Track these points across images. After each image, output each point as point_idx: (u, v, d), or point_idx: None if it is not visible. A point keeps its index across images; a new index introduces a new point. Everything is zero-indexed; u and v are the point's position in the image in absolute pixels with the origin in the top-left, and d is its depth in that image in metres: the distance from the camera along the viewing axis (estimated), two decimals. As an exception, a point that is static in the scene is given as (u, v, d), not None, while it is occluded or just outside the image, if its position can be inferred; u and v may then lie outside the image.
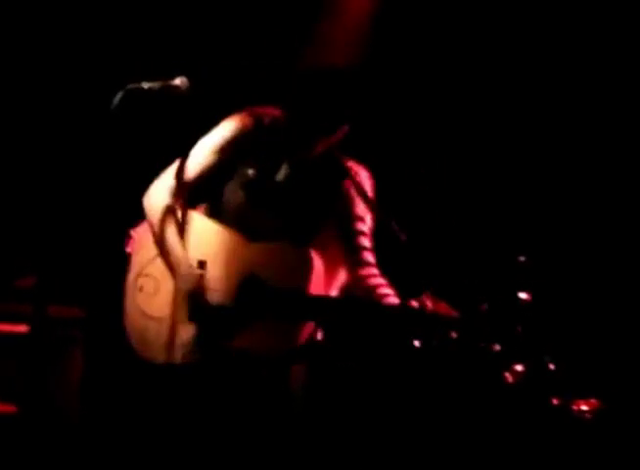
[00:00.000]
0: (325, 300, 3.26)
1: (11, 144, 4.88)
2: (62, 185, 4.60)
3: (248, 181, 3.40)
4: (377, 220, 3.43)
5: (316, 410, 3.45)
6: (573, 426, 4.30)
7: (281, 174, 3.43)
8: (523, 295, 4.17)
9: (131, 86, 3.25)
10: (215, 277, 3.28)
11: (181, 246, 3.29)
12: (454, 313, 3.15)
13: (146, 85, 3.27)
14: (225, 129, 3.45)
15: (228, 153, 3.44)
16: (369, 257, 3.41)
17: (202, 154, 3.42)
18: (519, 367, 4.36)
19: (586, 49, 4.70)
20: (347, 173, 3.42)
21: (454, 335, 3.16)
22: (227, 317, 3.23)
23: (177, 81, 3.32)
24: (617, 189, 4.71)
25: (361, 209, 3.41)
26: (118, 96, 3.22)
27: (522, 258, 4.40)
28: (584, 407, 4.28)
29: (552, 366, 4.37)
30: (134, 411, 3.43)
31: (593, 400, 4.31)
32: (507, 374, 4.36)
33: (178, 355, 3.23)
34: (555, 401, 4.33)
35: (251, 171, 3.41)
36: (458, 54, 4.81)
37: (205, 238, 3.32)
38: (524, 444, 4.35)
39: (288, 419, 3.30)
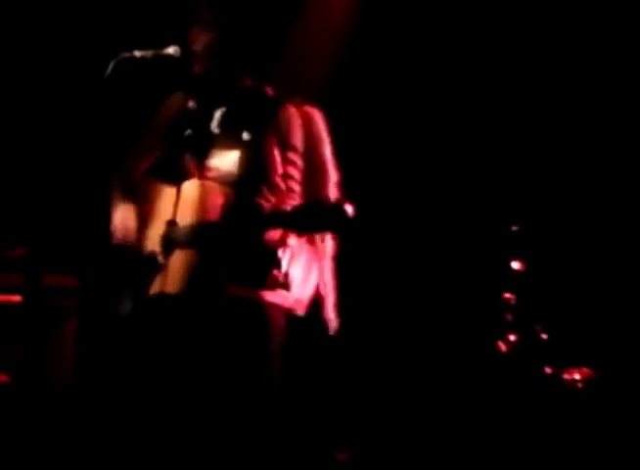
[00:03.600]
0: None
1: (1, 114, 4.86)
2: (52, 153, 4.59)
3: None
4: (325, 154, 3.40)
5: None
6: (566, 394, 4.33)
7: (215, 122, 3.44)
8: (516, 264, 4.21)
9: (124, 55, 3.23)
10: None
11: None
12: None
13: (139, 54, 3.25)
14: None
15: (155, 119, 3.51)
16: (292, 184, 3.39)
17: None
18: (512, 337, 4.39)
19: (586, 48, 4.70)
20: (277, 106, 3.42)
21: None
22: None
23: (170, 50, 3.30)
24: (610, 158, 4.72)
25: (296, 138, 3.40)
26: (111, 65, 3.20)
27: (515, 228, 4.43)
28: (576, 376, 4.31)
29: (544, 335, 4.41)
30: (127, 380, 3.43)
31: (585, 369, 4.34)
32: (500, 343, 4.40)
33: (172, 285, 3.24)
34: (547, 370, 4.36)
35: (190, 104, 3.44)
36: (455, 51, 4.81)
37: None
38: (517, 412, 4.37)
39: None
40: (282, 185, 3.35)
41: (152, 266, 3.30)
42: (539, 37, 4.77)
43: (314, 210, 3.08)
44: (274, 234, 3.21)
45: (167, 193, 3.35)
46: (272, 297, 3.30)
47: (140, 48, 3.26)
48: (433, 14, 4.83)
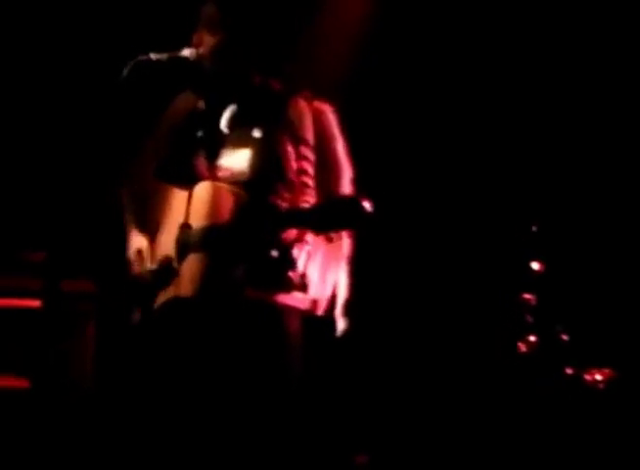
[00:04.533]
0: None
1: (21, 117, 4.87)
2: (70, 157, 4.59)
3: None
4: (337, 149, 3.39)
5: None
6: (587, 395, 4.31)
7: (224, 121, 3.43)
8: (535, 265, 4.18)
9: (140, 58, 3.24)
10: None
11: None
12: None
13: (154, 57, 3.25)
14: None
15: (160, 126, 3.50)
16: (308, 181, 3.37)
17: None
18: (532, 337, 4.37)
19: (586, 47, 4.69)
20: (287, 100, 3.40)
21: None
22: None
23: (186, 52, 3.31)
24: (631, 159, 4.69)
25: (308, 132, 3.38)
26: (127, 68, 3.21)
27: (534, 228, 4.41)
28: (598, 377, 4.28)
29: (565, 336, 4.38)
30: (146, 384, 3.43)
31: (606, 370, 4.31)
32: (521, 344, 4.38)
33: (186, 288, 3.23)
34: (568, 371, 4.33)
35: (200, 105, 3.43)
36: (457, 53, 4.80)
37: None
38: (538, 413, 4.35)
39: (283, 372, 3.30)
40: (296, 181, 3.33)
41: (167, 272, 3.29)
42: (560, 39, 4.75)
43: (332, 207, 3.04)
44: (291, 233, 3.19)
45: (180, 196, 3.33)
46: (288, 299, 3.28)
47: (156, 51, 3.27)
48: (449, 13, 4.82)
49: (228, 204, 3.23)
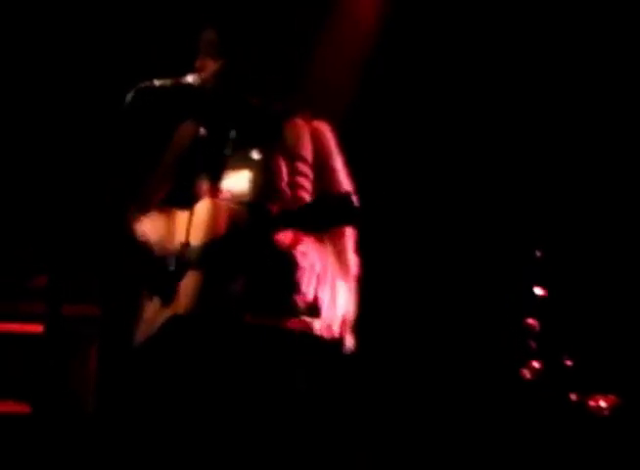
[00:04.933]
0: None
1: (21, 143, 4.88)
2: (73, 183, 4.59)
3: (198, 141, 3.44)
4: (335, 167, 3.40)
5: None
6: (591, 421, 4.29)
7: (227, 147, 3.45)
8: (539, 290, 4.17)
9: (143, 84, 3.24)
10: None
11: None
12: None
13: (158, 83, 3.26)
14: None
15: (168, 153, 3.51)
16: (303, 194, 3.37)
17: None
18: (536, 364, 4.35)
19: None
20: (284, 120, 3.42)
21: None
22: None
23: (189, 79, 3.31)
24: (634, 185, 4.68)
25: (306, 150, 3.39)
26: (131, 94, 3.21)
27: (538, 253, 4.40)
28: (602, 403, 4.26)
29: (569, 362, 4.36)
30: (147, 408, 3.42)
31: (611, 396, 4.29)
32: (524, 370, 4.36)
33: (182, 306, 3.22)
34: (572, 397, 4.31)
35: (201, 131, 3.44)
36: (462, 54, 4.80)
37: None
38: (542, 440, 4.33)
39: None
40: (288, 193, 3.34)
41: (168, 291, 3.29)
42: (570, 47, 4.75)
43: (320, 204, 3.06)
44: (285, 237, 3.19)
45: (181, 217, 3.34)
46: (296, 324, 3.27)
47: (159, 77, 3.28)
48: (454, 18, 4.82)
49: (227, 220, 3.25)
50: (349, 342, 3.30)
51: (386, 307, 4.60)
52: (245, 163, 3.36)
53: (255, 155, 3.36)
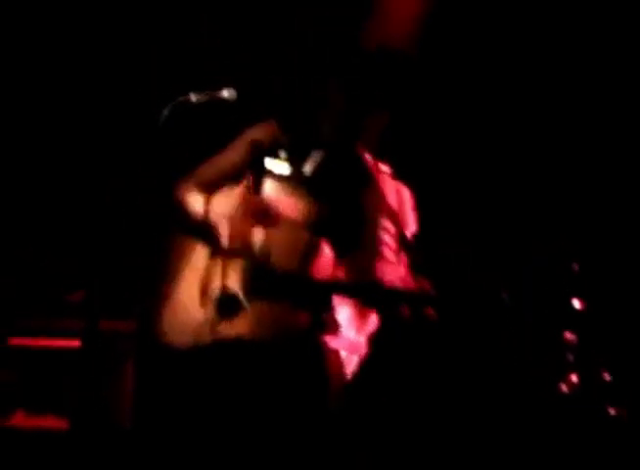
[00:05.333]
0: (320, 282, 3.25)
1: (62, 157, 4.91)
2: (110, 199, 4.61)
3: (275, 173, 3.43)
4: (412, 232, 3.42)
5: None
6: (630, 436, 4.25)
7: (308, 166, 3.44)
8: (576, 303, 4.13)
9: (180, 99, 3.26)
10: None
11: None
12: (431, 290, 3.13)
13: (194, 98, 3.28)
14: (245, 133, 3.47)
15: (243, 150, 3.45)
16: (387, 252, 3.38)
17: (222, 152, 3.47)
18: (574, 377, 4.32)
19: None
20: (371, 179, 3.43)
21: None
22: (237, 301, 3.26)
23: (225, 93, 3.32)
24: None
25: (387, 212, 3.40)
26: (167, 109, 3.22)
27: (575, 266, 4.37)
28: (642, 417, 4.23)
29: (607, 375, 4.33)
30: (185, 422, 3.42)
31: (651, 410, 4.26)
32: (562, 384, 4.33)
33: (257, 332, 3.23)
34: (611, 411, 4.27)
35: (279, 162, 3.44)
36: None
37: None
38: (581, 455, 4.29)
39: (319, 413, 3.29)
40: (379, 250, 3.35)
41: (231, 307, 3.28)
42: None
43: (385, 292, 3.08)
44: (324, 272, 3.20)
45: (255, 232, 3.33)
46: (334, 342, 3.28)
47: (196, 91, 3.29)
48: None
49: (309, 252, 3.24)
50: (339, 400, 3.33)
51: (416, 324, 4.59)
52: (323, 192, 3.39)
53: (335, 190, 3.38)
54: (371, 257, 3.35)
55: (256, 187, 3.38)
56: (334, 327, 3.26)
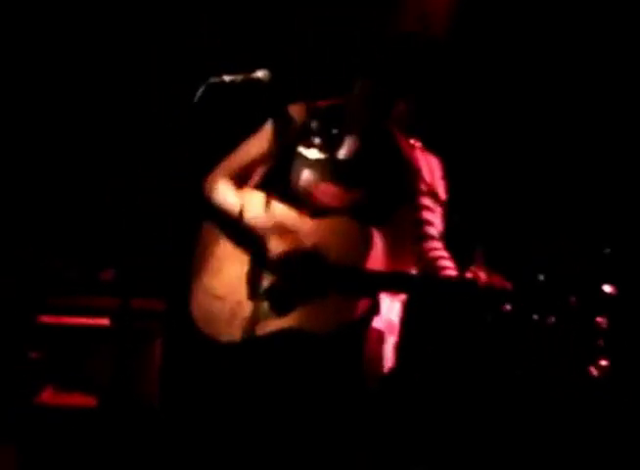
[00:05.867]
0: (381, 275, 3.23)
1: (94, 134, 4.92)
2: (142, 178, 4.62)
3: (310, 159, 3.41)
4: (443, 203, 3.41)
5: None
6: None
7: (343, 151, 3.42)
8: (608, 288, 4.11)
9: (213, 80, 3.24)
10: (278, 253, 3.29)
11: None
12: (508, 285, 3.10)
13: (228, 78, 3.26)
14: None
15: (270, 138, 3.46)
16: (431, 230, 3.36)
17: (247, 140, 3.48)
18: (604, 362, 4.30)
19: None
20: (402, 151, 3.41)
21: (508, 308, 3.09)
22: (291, 293, 3.24)
23: (259, 74, 3.30)
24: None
25: (425, 184, 3.38)
26: (201, 90, 3.21)
27: (607, 250, 4.35)
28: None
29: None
30: (211, 402, 3.42)
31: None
32: (592, 368, 4.31)
33: (238, 333, 3.21)
34: (641, 395, 4.27)
35: (313, 148, 3.42)
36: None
37: (267, 215, 3.34)
38: (610, 438, 4.30)
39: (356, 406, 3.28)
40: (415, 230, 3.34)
41: (284, 300, 3.27)
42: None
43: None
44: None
45: (304, 221, 3.33)
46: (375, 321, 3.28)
47: (229, 72, 3.27)
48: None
49: (357, 244, 3.23)
50: (389, 362, 3.32)
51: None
52: (361, 176, 3.38)
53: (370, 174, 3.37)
54: (417, 240, 3.33)
55: (280, 136, 3.36)
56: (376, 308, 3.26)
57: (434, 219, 3.39)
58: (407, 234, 3.35)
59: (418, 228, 3.35)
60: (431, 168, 3.46)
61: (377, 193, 3.35)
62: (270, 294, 3.25)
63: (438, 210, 3.41)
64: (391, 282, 3.25)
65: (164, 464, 4.29)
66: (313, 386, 3.23)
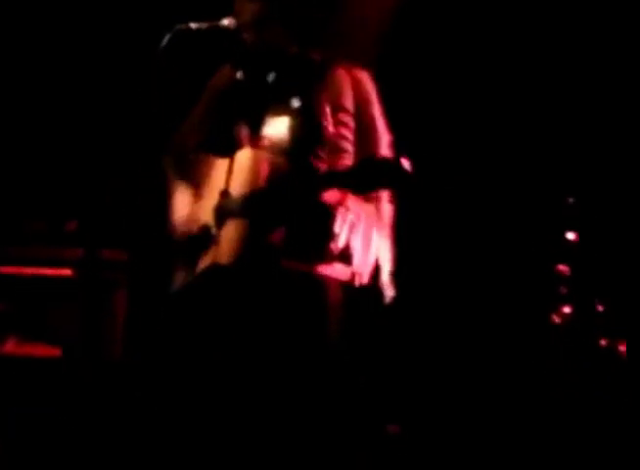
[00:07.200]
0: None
1: (54, 86, 4.87)
2: (104, 128, 4.59)
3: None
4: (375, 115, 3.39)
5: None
6: (621, 367, 4.30)
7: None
8: (571, 235, 4.17)
9: (179, 27, 3.23)
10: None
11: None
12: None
13: (194, 26, 3.25)
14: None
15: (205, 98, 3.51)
16: (345, 144, 3.36)
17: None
18: (567, 309, 4.36)
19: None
20: (326, 69, 3.40)
21: None
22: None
23: (225, 22, 3.29)
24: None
25: (347, 99, 3.37)
26: (167, 37, 3.19)
27: (570, 200, 4.39)
28: (633, 348, 4.27)
29: (600, 307, 4.37)
30: (179, 353, 3.43)
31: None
32: (555, 316, 4.37)
33: (224, 256, 3.23)
34: (603, 342, 4.32)
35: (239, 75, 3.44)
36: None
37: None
38: (571, 386, 4.34)
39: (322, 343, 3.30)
40: (335, 146, 3.32)
41: (205, 239, 3.29)
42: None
43: (371, 167, 3.03)
44: (332, 196, 3.17)
45: (220, 164, 3.34)
46: (328, 270, 3.27)
47: (195, 20, 3.26)
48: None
49: (268, 171, 3.24)
50: (389, 291, 3.30)
51: (418, 254, 4.60)
52: (284, 110, 3.35)
53: (295, 102, 3.34)
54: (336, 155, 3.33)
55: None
56: (347, 256, 3.25)
57: (349, 135, 3.38)
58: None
59: (337, 142, 3.35)
60: (360, 86, 3.43)
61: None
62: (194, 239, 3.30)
63: (351, 123, 3.40)
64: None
65: (128, 415, 4.30)
66: (253, 325, 3.25)
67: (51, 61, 4.93)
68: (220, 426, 3.25)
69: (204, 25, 3.27)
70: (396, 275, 3.29)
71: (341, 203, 3.17)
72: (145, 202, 4.29)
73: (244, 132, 3.37)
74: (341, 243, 3.20)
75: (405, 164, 2.95)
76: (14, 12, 4.93)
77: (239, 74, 3.45)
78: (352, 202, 3.18)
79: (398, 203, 3.33)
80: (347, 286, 3.29)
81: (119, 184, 4.47)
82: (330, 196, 3.16)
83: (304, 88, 3.36)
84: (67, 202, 4.66)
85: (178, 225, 3.42)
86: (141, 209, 4.44)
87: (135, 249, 4.50)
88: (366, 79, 3.42)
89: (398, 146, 3.33)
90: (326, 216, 3.21)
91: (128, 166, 4.28)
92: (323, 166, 3.29)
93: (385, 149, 3.35)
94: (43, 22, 4.94)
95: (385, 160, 3.06)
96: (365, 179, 3.03)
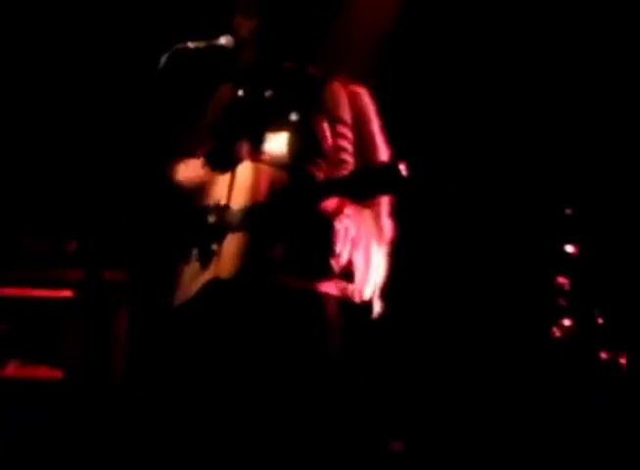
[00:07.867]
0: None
1: (55, 107, 4.89)
2: (104, 147, 4.60)
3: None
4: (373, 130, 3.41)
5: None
6: (622, 380, 4.30)
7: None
8: (570, 248, 4.17)
9: (178, 46, 3.25)
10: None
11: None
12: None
13: (192, 45, 3.27)
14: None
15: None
16: (344, 156, 3.38)
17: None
18: (566, 321, 4.36)
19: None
20: (323, 84, 3.42)
21: None
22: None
23: (222, 41, 3.31)
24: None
25: (345, 113, 3.39)
26: (165, 56, 3.21)
27: (569, 211, 4.40)
28: (633, 360, 4.27)
29: (600, 320, 4.37)
30: (180, 367, 3.43)
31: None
32: (555, 328, 4.37)
33: (225, 270, 3.24)
34: (603, 355, 4.32)
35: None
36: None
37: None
38: (572, 398, 4.34)
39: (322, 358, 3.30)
40: (334, 157, 3.34)
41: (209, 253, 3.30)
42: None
43: (368, 173, 3.05)
44: (330, 205, 3.19)
45: (222, 180, 3.36)
46: (328, 287, 3.28)
47: (193, 39, 3.28)
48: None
49: (268, 184, 3.25)
50: (377, 306, 3.31)
51: (414, 265, 4.60)
52: (283, 125, 3.37)
53: (294, 117, 3.37)
54: (335, 166, 3.35)
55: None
56: (349, 273, 3.26)
57: (348, 147, 3.40)
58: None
59: (336, 154, 3.37)
60: (358, 100, 3.46)
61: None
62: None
63: (350, 135, 3.42)
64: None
65: (131, 434, 4.30)
66: (255, 338, 3.26)
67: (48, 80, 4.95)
68: (223, 441, 3.25)
69: (201, 44, 3.30)
70: (394, 288, 3.31)
71: (340, 211, 3.19)
72: (145, 206, 4.29)
73: (245, 148, 3.39)
74: (343, 260, 3.22)
75: (402, 168, 2.98)
76: (16, 19, 4.94)
77: (240, 92, 3.48)
78: (351, 211, 3.21)
79: (396, 210, 3.35)
80: (346, 302, 3.30)
81: (119, 186, 4.48)
82: (329, 204, 3.18)
83: (302, 102, 3.39)
84: (66, 220, 4.66)
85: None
86: (141, 211, 4.44)
87: (134, 267, 4.51)
88: (363, 94, 3.44)
89: (398, 152, 3.35)
90: (327, 232, 3.22)
91: (128, 171, 4.30)
92: (321, 175, 3.31)
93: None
94: (44, 29, 4.95)
95: (382, 165, 3.09)
96: (363, 185, 3.05)
